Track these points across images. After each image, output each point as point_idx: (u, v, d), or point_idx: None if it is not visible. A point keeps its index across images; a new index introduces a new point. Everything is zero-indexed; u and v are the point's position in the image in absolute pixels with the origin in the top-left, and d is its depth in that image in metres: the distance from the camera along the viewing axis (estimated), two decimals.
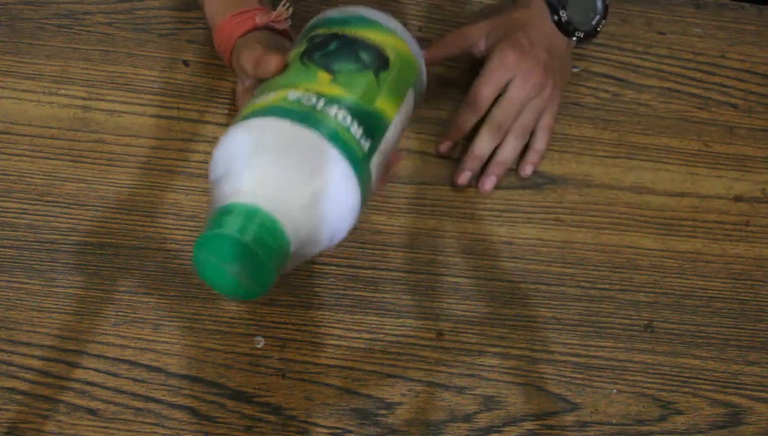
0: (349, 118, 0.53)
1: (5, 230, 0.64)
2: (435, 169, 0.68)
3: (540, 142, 0.68)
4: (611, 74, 0.73)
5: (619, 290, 0.66)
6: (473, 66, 0.68)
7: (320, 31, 0.58)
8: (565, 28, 0.68)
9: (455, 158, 0.68)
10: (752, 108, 0.73)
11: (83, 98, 0.68)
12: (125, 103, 0.68)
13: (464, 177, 0.67)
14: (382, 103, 0.56)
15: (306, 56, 0.56)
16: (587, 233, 0.68)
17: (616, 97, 0.72)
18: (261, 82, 0.58)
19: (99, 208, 0.65)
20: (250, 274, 0.49)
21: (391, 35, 0.59)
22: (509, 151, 0.67)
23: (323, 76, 0.55)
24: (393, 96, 0.57)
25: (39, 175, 0.65)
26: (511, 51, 0.66)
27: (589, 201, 0.69)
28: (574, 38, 0.68)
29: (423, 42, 0.62)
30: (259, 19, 0.61)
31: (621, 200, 0.69)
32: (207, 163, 0.66)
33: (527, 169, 0.69)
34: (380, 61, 0.57)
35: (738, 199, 0.70)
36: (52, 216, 0.64)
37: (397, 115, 0.57)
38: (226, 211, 0.49)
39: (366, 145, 0.54)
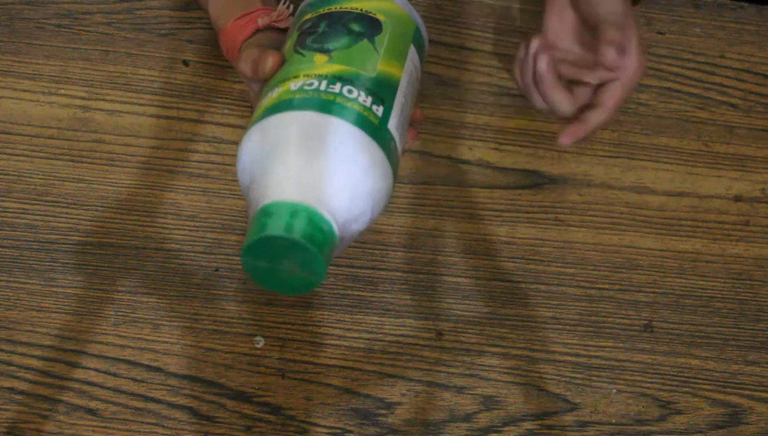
0: (354, 91, 0.53)
1: (5, 229, 0.64)
2: (435, 169, 0.68)
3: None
4: None
5: (618, 290, 0.66)
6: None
7: (308, 16, 0.58)
8: None
9: (455, 159, 0.69)
10: (752, 108, 0.73)
11: (83, 98, 0.68)
12: (125, 103, 0.68)
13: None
14: (385, 66, 0.56)
15: (299, 45, 0.56)
16: (587, 233, 0.68)
17: None
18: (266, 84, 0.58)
19: (99, 208, 0.65)
20: (303, 269, 0.50)
21: None
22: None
23: (319, 58, 0.55)
24: (394, 56, 0.57)
25: (38, 175, 0.65)
26: (642, 57, 0.61)
27: (589, 201, 0.69)
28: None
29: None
30: (261, 21, 0.61)
31: (621, 200, 0.69)
32: (207, 163, 0.67)
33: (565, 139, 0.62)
34: (372, 27, 0.57)
35: (738, 199, 0.70)
36: (52, 216, 0.64)
37: (404, 74, 0.57)
38: (265, 213, 0.50)
39: (379, 110, 0.54)
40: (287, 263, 0.50)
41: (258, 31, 0.62)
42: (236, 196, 0.66)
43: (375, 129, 0.53)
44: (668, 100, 0.72)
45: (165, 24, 0.71)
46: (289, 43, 0.58)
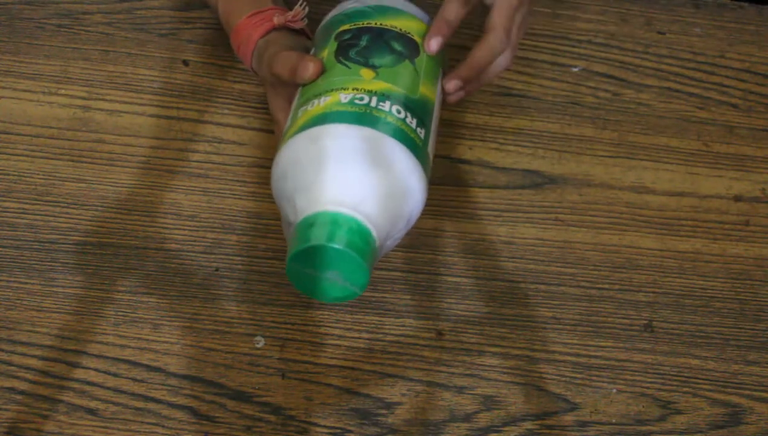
0: (402, 111, 0.54)
1: (5, 229, 0.64)
2: (435, 169, 0.68)
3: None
4: (611, 74, 0.73)
5: (618, 290, 0.66)
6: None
7: (345, 27, 0.59)
8: None
9: (455, 159, 0.69)
10: (752, 108, 0.73)
11: (83, 98, 0.68)
12: (125, 103, 0.68)
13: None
14: (424, 89, 0.57)
15: (341, 55, 0.57)
16: (587, 233, 0.68)
17: (616, 96, 0.72)
18: (297, 87, 0.58)
19: (99, 208, 0.65)
20: (346, 277, 0.51)
21: (412, 19, 0.60)
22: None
23: (366, 73, 0.56)
24: (430, 80, 0.58)
25: (39, 175, 0.65)
26: None
27: (589, 201, 0.69)
28: None
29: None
30: (277, 20, 0.62)
31: (621, 200, 0.69)
32: (207, 163, 0.67)
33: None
34: (412, 48, 0.58)
35: (738, 199, 0.70)
36: (52, 216, 0.64)
37: (436, 98, 0.59)
38: (310, 222, 0.51)
39: (422, 133, 0.55)
40: (332, 273, 0.51)
41: (273, 29, 0.62)
42: (236, 197, 0.66)
43: (419, 151, 0.54)
44: (668, 100, 0.72)
45: (165, 24, 0.71)
46: (327, 51, 0.58)
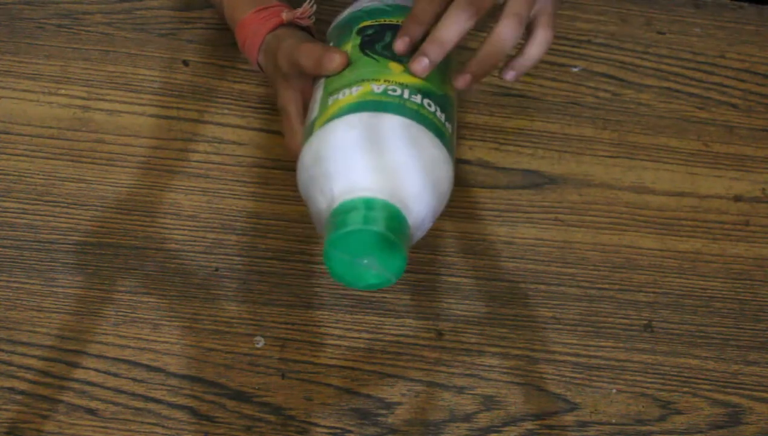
0: (432, 105, 0.55)
1: (5, 230, 0.64)
2: None
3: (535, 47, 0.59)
4: (611, 74, 0.73)
5: (618, 290, 0.66)
6: None
7: (366, 23, 0.59)
8: None
9: (456, 160, 0.68)
10: (752, 108, 0.73)
11: (83, 98, 0.68)
12: (125, 103, 0.68)
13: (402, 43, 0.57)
14: (446, 87, 0.58)
15: (367, 48, 0.57)
16: (587, 233, 0.68)
17: (616, 96, 0.72)
18: (311, 80, 0.59)
19: (99, 208, 0.65)
20: (382, 263, 0.51)
21: None
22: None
23: (395, 66, 0.56)
24: (449, 77, 0.58)
25: (39, 175, 0.65)
26: None
27: (589, 201, 0.69)
28: None
29: None
30: (285, 16, 0.62)
31: (621, 200, 0.69)
32: (207, 163, 0.67)
33: (509, 75, 0.59)
34: None
35: (738, 199, 0.70)
36: (52, 216, 0.64)
37: (454, 94, 0.59)
38: (347, 208, 0.51)
39: (449, 127, 0.56)
40: (370, 258, 0.51)
41: (281, 25, 0.62)
42: (236, 197, 0.66)
43: (448, 141, 0.55)
44: (668, 100, 0.72)
45: (165, 24, 0.71)
46: (350, 45, 0.58)
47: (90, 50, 0.69)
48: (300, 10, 0.63)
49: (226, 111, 0.68)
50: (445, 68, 0.59)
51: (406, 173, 0.53)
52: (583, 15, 0.75)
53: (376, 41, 0.58)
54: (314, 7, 0.63)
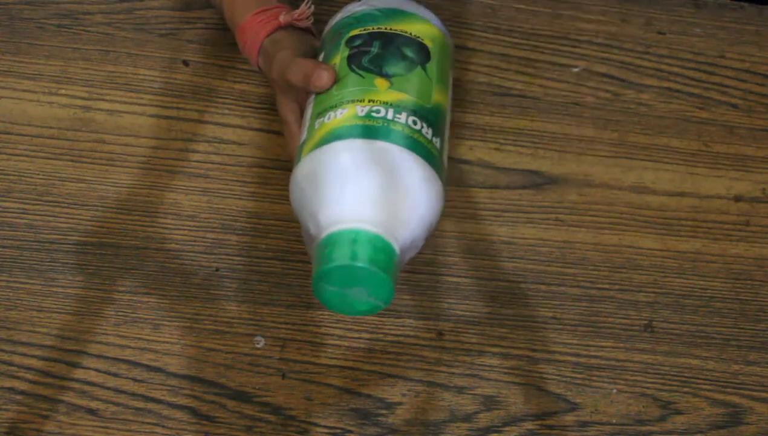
0: (418, 122, 0.55)
1: (5, 230, 0.64)
2: None
3: None
4: (611, 74, 0.73)
5: (619, 290, 0.66)
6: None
7: (355, 31, 0.59)
8: None
9: (455, 159, 0.69)
10: (752, 108, 0.73)
11: (83, 98, 0.68)
12: (125, 103, 0.68)
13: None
14: (437, 96, 0.57)
15: (354, 63, 0.57)
16: (587, 233, 0.68)
17: (616, 97, 0.72)
18: (307, 91, 0.59)
19: (99, 208, 0.65)
20: (371, 292, 0.52)
21: (421, 23, 0.60)
22: None
23: (380, 82, 0.56)
24: (441, 85, 0.58)
25: (39, 175, 0.65)
26: None
27: (589, 201, 0.69)
28: None
29: None
30: (283, 18, 0.62)
31: (621, 200, 0.69)
32: (207, 163, 0.67)
33: None
34: (423, 54, 0.58)
35: (738, 199, 0.70)
36: (52, 216, 0.64)
37: (448, 101, 0.59)
38: (333, 241, 0.51)
39: (437, 142, 0.56)
40: (356, 289, 0.52)
41: (279, 28, 0.62)
42: (236, 197, 0.66)
43: (435, 160, 0.55)
44: (668, 100, 0.72)
45: (165, 24, 0.71)
46: (338, 58, 0.58)
47: (90, 50, 0.69)
48: (298, 11, 0.63)
49: (226, 111, 0.68)
50: (438, 74, 0.58)
51: (392, 201, 0.52)
52: (583, 15, 0.75)
53: (364, 54, 0.58)
54: (312, 8, 0.63)
